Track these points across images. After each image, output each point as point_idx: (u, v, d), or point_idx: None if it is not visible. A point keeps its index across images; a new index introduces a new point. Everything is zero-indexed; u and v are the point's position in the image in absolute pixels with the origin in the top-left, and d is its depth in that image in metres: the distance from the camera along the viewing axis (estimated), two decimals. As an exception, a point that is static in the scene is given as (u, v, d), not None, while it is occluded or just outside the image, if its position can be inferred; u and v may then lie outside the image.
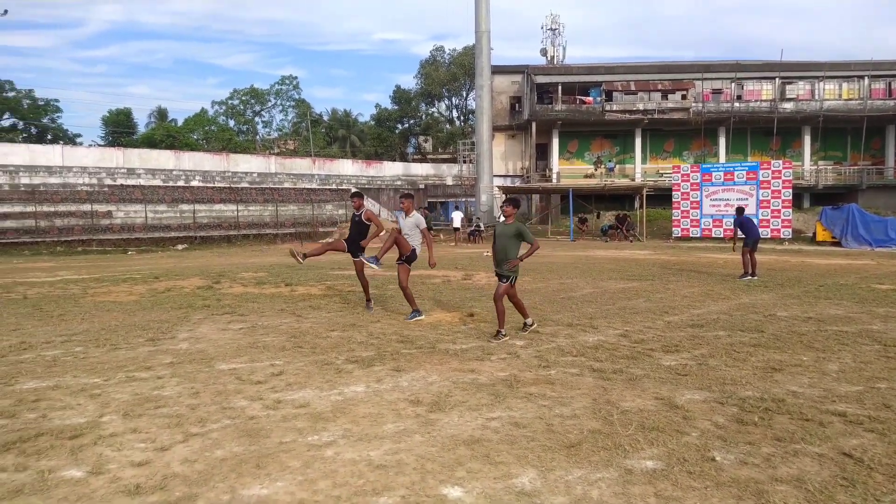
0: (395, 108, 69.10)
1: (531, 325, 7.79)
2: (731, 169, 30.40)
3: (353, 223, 9.72)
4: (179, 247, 31.22)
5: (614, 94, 45.61)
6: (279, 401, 4.98)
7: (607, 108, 44.87)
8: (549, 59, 53.33)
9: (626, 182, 43.14)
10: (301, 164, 47.61)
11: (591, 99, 46.27)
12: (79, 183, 36.11)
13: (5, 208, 31.25)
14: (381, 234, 9.51)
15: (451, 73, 64.99)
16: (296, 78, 73.67)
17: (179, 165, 41.26)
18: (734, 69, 45.10)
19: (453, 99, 70.54)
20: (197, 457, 3.84)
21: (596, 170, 45.69)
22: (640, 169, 45.90)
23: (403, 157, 63.97)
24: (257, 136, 71.01)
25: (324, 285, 12.77)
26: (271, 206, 39.66)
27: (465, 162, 49.95)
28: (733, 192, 29.04)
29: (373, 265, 9.14)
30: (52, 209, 32.14)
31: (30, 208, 31.37)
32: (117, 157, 39.43)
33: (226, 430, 4.31)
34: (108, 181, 37.24)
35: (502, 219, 7.71)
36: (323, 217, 40.33)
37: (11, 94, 63.48)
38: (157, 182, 39.03)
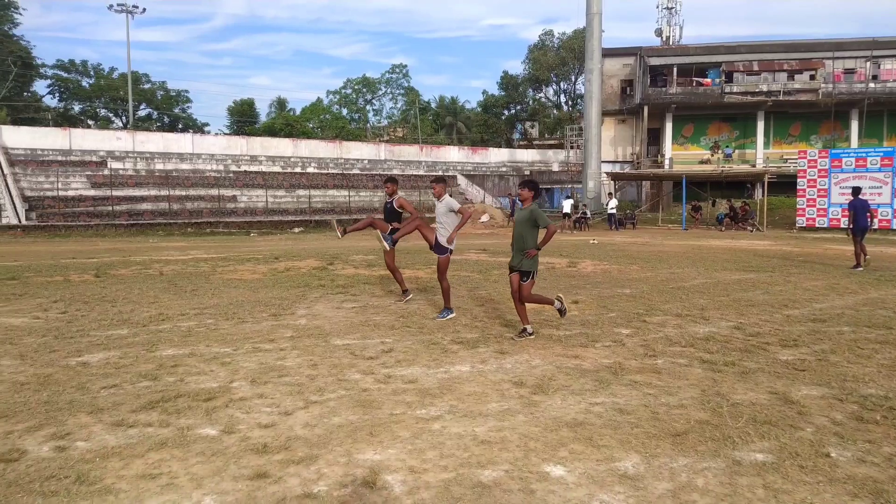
0: (502, 94, 68.89)
1: (529, 334, 6.73)
2: (864, 154, 28.02)
3: (385, 210, 9.24)
4: (296, 230, 32.87)
5: (735, 74, 43.12)
6: (389, 376, 5.24)
7: (727, 89, 42.54)
8: (664, 39, 51.22)
9: (745, 168, 40.81)
10: (409, 151, 48.64)
11: (709, 80, 44.04)
12: (207, 169, 38.78)
13: (143, 192, 34.14)
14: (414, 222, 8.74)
15: (559, 58, 63.92)
16: (405, 66, 75.26)
17: (297, 153, 43.31)
18: (870, 47, 41.39)
19: (561, 84, 69.43)
20: (316, 422, 4.15)
21: (712, 155, 43.51)
22: (762, 154, 43.25)
23: (509, 144, 63.76)
24: (368, 124, 73.11)
25: (430, 269, 13.10)
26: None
27: (572, 148, 49.11)
28: (865, 180, 26.76)
29: (385, 242, 8.69)
30: (183, 193, 34.77)
31: (164, 192, 34.11)
32: (241, 145, 41.97)
33: (342, 400, 4.61)
34: (233, 167, 39.72)
35: (519, 204, 7.05)
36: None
37: (147, 86, 68.97)
38: (277, 168, 41.19)
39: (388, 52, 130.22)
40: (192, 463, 3.52)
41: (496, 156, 51.58)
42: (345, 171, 43.00)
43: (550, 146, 56.37)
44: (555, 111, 67.40)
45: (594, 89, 39.07)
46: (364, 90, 73.93)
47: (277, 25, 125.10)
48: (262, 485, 3.23)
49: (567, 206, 31.67)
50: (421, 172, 45.74)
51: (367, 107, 75.13)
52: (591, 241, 21.73)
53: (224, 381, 5.13)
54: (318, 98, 73.58)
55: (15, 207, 29.43)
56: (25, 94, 57.85)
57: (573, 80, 66.81)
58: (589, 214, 32.94)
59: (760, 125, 43.59)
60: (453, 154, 50.16)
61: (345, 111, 72.60)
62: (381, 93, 74.81)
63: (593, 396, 4.72)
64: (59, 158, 34.81)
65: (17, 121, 45.68)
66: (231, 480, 3.29)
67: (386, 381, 5.08)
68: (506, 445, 3.77)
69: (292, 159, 42.70)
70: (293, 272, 12.75)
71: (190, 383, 5.07)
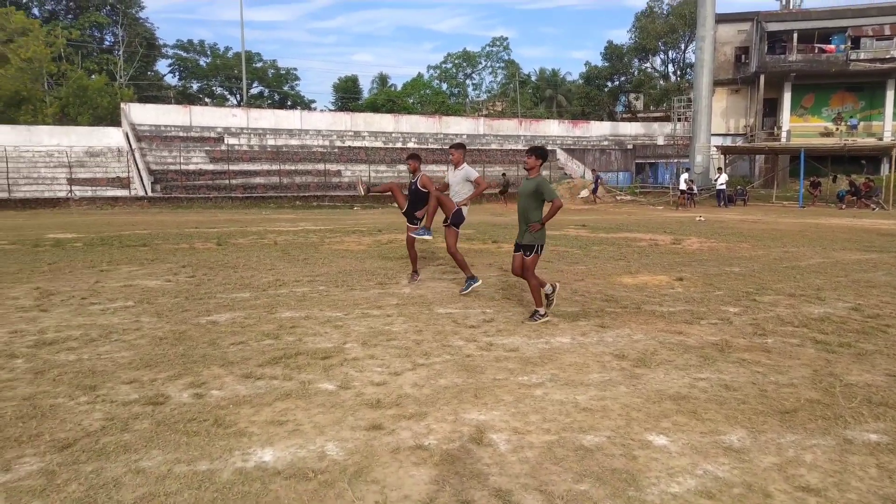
0: (606, 65, 66.82)
1: (543, 316, 6.21)
2: None
3: (411, 193, 8.46)
4: (396, 204, 33.69)
5: (862, 40, 39.64)
6: (491, 344, 5.41)
7: (853, 56, 39.22)
8: (783, 3, 47.75)
9: (871, 142, 37.64)
10: (508, 126, 48.35)
11: (832, 47, 40.74)
12: (314, 144, 40.30)
13: (256, 166, 36.00)
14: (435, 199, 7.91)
15: (668, 25, 61.11)
16: (506, 39, 74.81)
17: (398, 128, 44.13)
18: None
19: (669, 53, 66.47)
20: (424, 383, 4.39)
21: (835, 128, 40.41)
22: (891, 126, 39.72)
23: (612, 117, 61.93)
24: (467, 99, 73.19)
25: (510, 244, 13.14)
26: (479, 167, 40.99)
27: (679, 120, 47.09)
28: None
29: (424, 236, 7.97)
30: (292, 168, 36.37)
31: (275, 167, 35.81)
32: (346, 121, 43.26)
33: (446, 364, 4.83)
34: (338, 143, 41.06)
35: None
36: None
37: (259, 64, 72.08)
38: (379, 144, 42.18)
39: (489, 24, 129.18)
40: (314, 413, 3.84)
41: (598, 129, 50.32)
42: (444, 146, 43.37)
43: (656, 119, 54.32)
44: (661, 82, 64.67)
45: (706, 57, 37.12)
46: (464, 64, 73.94)
47: (379, 2, 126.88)
48: (378, 435, 3.49)
49: (682, 181, 30.44)
50: (519, 147, 45.41)
51: (467, 81, 75.15)
52: (698, 218, 20.92)
53: (338, 342, 5.48)
54: (419, 73, 74.47)
55: (142, 180, 31.90)
56: (149, 73, 62.06)
57: (683, 48, 63.84)
58: (696, 190, 31.61)
59: (890, 95, 39.95)
60: (553, 128, 49.40)
61: (444, 86, 72.97)
62: (480, 66, 74.58)
63: (698, 372, 4.68)
64: (181, 134, 37.26)
65: (143, 99, 49.18)
66: (349, 430, 3.58)
67: (488, 349, 5.26)
68: (607, 414, 3.85)
69: (393, 134, 43.55)
70: (396, 244, 13.16)
71: (307, 343, 5.45)
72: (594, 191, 34.34)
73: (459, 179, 7.82)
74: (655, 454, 3.29)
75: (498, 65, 74.27)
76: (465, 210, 7.87)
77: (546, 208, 6.26)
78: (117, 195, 30.55)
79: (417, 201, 8.27)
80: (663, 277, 9.02)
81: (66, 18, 55.27)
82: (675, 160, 42.74)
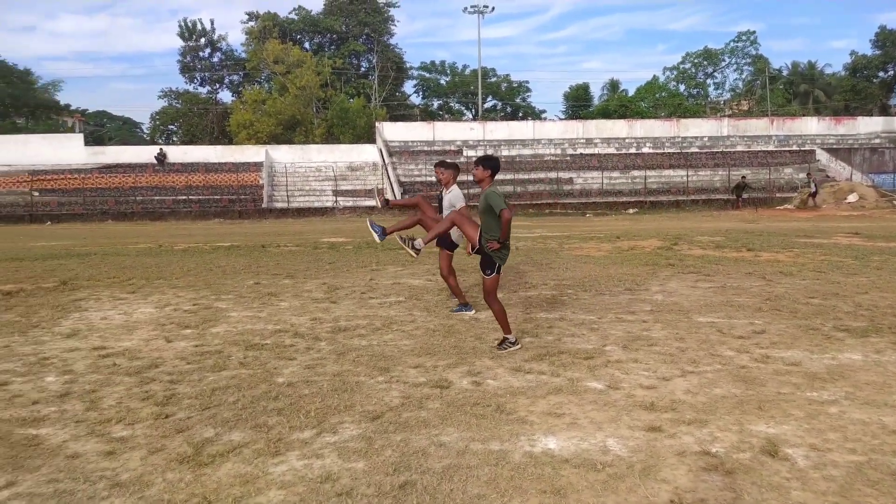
0: (877, 53, 58.17)
1: (514, 345, 5.40)
2: None
3: (440, 203, 7.39)
4: (630, 211, 32.74)
5: None
6: (767, 356, 5.05)
7: None
8: None
9: None
10: (756, 125, 44.42)
11: None
12: (546, 153, 40.88)
13: (498, 176, 37.45)
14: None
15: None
16: (753, 33, 68.48)
17: (631, 133, 42.92)
18: None
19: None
20: (697, 390, 4.25)
21: None
22: None
23: (884, 111, 53.73)
24: (707, 99, 68.69)
25: (791, 252, 11.95)
26: (722, 171, 38.22)
27: (981, 110, 39.25)
28: None
29: (375, 233, 6.31)
30: (525, 176, 37.28)
31: (509, 176, 36.98)
32: (577, 129, 43.20)
33: (719, 373, 4.61)
34: (570, 151, 41.16)
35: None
36: (780, 182, 37.05)
37: (493, 79, 75.00)
38: (611, 150, 41.43)
39: (730, 19, 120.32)
40: (588, 409, 3.94)
41: (866, 125, 44.02)
42: (682, 150, 41.23)
43: (946, 110, 45.90)
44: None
45: None
46: (704, 63, 69.50)
47: (610, 7, 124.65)
48: (658, 437, 3.47)
49: None
50: (770, 148, 41.48)
51: (708, 80, 70.54)
52: None
53: (597, 344, 5.53)
54: (654, 76, 71.56)
55: (393, 191, 35.01)
56: (397, 93, 67.97)
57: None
58: None
59: None
60: (811, 126, 44.28)
61: (682, 87, 69.28)
62: (723, 64, 69.51)
63: None
64: (425, 148, 40.23)
65: (393, 118, 53.99)
66: (626, 429, 3.60)
67: (764, 361, 4.91)
68: (926, 441, 3.38)
69: (627, 140, 42.46)
70: (637, 251, 12.83)
71: (567, 343, 5.58)
72: (813, 195, 30.39)
73: (447, 204, 6.87)
74: None
75: (744, 61, 68.59)
76: (454, 234, 6.89)
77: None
78: (373, 205, 33.89)
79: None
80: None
81: (330, 49, 62.81)
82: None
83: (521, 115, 73.27)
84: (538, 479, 3.01)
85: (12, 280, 9.89)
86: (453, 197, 6.91)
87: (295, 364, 5.08)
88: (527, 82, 79.98)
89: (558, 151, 41.17)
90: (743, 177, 33.05)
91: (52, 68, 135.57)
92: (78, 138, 39.97)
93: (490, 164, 5.65)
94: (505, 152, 40.65)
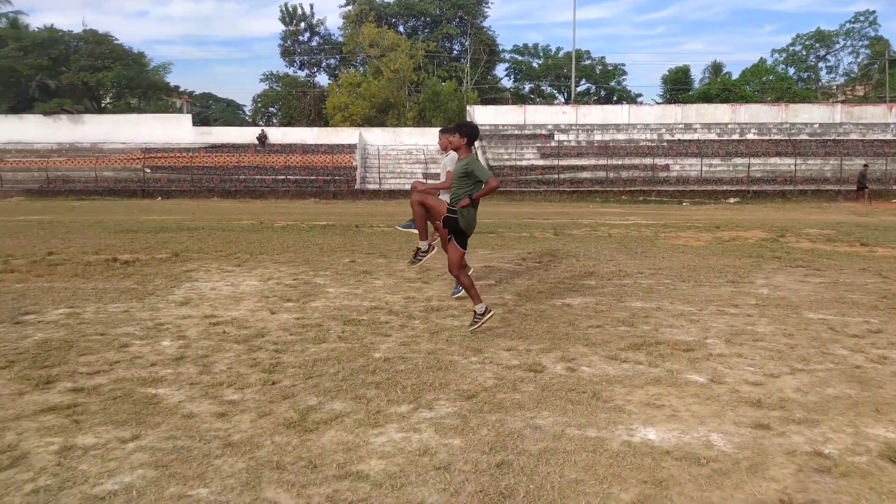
0: None
1: (482, 316, 5.36)
2: None
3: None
4: (731, 200, 31.28)
5: None
6: (884, 357, 4.72)
7: None
8: None
9: None
10: (872, 112, 41.15)
11: None
12: (641, 139, 39.55)
13: (583, 161, 36.76)
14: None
15: None
16: (873, 12, 63.29)
17: (735, 119, 40.80)
18: None
19: None
20: (808, 389, 4.03)
21: None
22: None
23: None
24: (818, 84, 64.30)
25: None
26: (833, 160, 35.78)
27: None
28: None
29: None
30: (618, 162, 36.27)
31: (601, 161, 36.13)
32: (675, 114, 41.49)
33: (831, 373, 4.36)
34: (667, 136, 39.63)
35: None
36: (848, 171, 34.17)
37: (587, 62, 73.12)
38: (712, 136, 39.58)
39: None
40: (689, 402, 3.82)
41: None
42: (790, 137, 38.81)
43: None
44: None
45: None
46: (816, 45, 64.94)
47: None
48: (766, 434, 3.32)
49: None
50: (888, 137, 38.42)
51: (819, 64, 65.96)
52: None
53: (697, 336, 5.34)
54: (761, 58, 67.42)
55: (482, 175, 34.97)
56: (488, 77, 67.55)
57: None
58: None
59: None
60: (937, 113, 40.57)
61: (791, 70, 65.10)
62: (837, 46, 64.69)
63: None
64: (516, 132, 39.87)
65: (484, 101, 53.80)
66: (731, 424, 3.47)
67: (881, 362, 4.60)
68: None
69: (729, 126, 40.39)
70: (739, 242, 12.26)
71: (665, 333, 5.42)
72: (861, 189, 27.89)
73: (443, 168, 6.80)
74: None
75: (860, 43, 63.54)
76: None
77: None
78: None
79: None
80: None
81: (424, 32, 63.15)
82: None
83: (615, 99, 71.17)
84: (638, 468, 2.95)
85: (129, 250, 10.65)
86: (447, 160, 6.68)
87: (390, 340, 5.20)
88: (622, 65, 77.66)
89: (654, 137, 39.72)
90: (865, 165, 30.65)
91: (161, 51, 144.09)
92: (187, 119, 42.29)
93: (466, 130, 5.54)
94: (598, 137, 39.67)
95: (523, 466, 2.96)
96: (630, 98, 71.89)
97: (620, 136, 39.74)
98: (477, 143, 30.19)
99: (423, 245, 6.02)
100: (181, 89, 67.06)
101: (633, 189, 33.22)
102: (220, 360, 4.63)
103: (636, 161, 36.55)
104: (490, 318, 5.44)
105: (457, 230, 5.46)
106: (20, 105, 46.55)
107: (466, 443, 3.22)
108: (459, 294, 6.77)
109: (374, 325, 5.69)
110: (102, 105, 53.08)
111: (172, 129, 39.32)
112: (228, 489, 2.76)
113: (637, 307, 6.48)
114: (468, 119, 40.01)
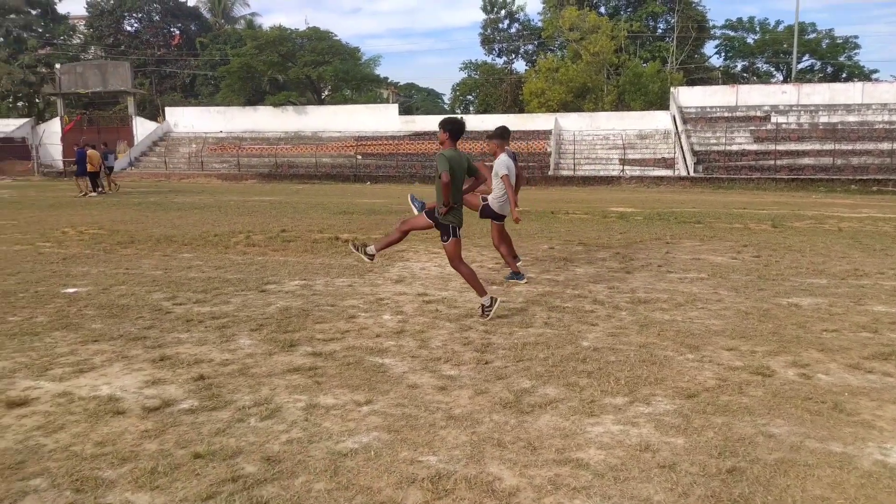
0: None
1: (490, 307, 5.35)
2: None
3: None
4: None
5: None
6: None
7: None
8: None
9: None
10: None
11: None
12: (877, 121, 34.67)
13: (805, 146, 33.12)
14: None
15: None
16: None
17: None
18: None
19: None
20: None
21: None
22: None
23: None
24: None
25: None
26: None
27: None
28: None
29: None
30: (848, 147, 32.18)
31: (827, 146, 32.27)
32: (924, 90, 35.72)
33: None
34: (912, 117, 34.31)
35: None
36: None
37: (812, 35, 65.38)
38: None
39: None
40: (960, 426, 3.29)
41: None
42: None
43: None
44: None
45: None
46: None
47: None
48: None
49: None
50: None
51: None
52: None
53: (963, 350, 4.58)
54: None
55: (685, 160, 32.99)
56: (695, 55, 63.17)
57: None
58: None
59: None
60: None
61: None
62: None
63: None
64: (725, 115, 36.94)
65: (690, 82, 50.47)
66: None
67: None
68: None
69: None
70: None
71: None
72: None
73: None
74: None
75: None
76: (496, 205, 7.08)
77: (466, 185, 5.62)
78: (662, 175, 32.47)
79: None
80: None
81: (627, 12, 60.66)
82: None
83: (844, 76, 62.95)
84: (894, 492, 2.61)
85: (346, 230, 11.60)
86: (496, 164, 7.15)
87: (598, 330, 5.12)
88: (855, 37, 68.44)
89: (894, 119, 34.56)
90: None
91: (371, 45, 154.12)
92: (394, 108, 45.03)
93: (448, 126, 5.41)
94: (823, 119, 35.40)
95: (758, 476, 2.75)
96: (864, 75, 63.19)
97: (851, 118, 35.13)
98: (681, 127, 28.72)
99: (486, 300, 5.49)
100: (388, 80, 71.41)
101: (865, 178, 29.26)
102: (436, 337, 4.88)
103: (870, 146, 32.13)
104: (498, 306, 5.41)
105: (453, 229, 5.40)
106: (255, 98, 52.66)
107: (691, 444, 3.07)
108: (512, 280, 6.98)
109: (579, 314, 5.64)
110: (322, 97, 58.21)
111: (381, 119, 42.09)
112: (455, 460, 2.91)
113: (881, 311, 5.73)
114: (672, 102, 37.90)
